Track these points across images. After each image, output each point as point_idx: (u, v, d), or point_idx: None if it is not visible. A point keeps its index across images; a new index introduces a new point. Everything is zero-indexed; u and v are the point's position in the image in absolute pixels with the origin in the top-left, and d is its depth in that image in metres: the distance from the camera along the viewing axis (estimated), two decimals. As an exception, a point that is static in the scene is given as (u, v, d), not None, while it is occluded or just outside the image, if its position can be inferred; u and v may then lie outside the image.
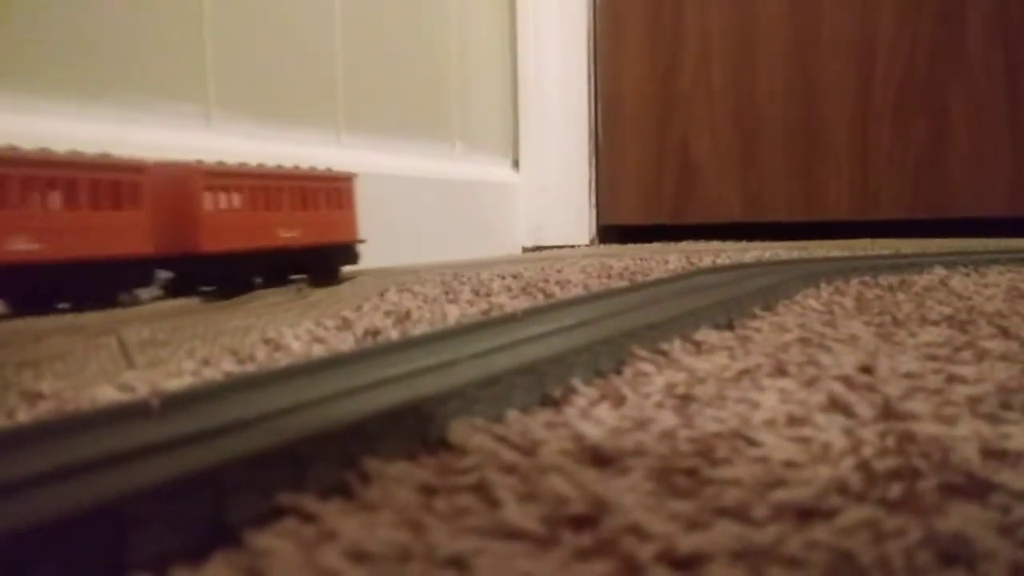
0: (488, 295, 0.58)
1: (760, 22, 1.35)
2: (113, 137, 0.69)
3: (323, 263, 0.74)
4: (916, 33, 1.28)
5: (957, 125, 1.26)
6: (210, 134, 0.79)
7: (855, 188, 1.32)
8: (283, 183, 0.70)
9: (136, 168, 0.57)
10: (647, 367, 0.33)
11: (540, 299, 0.55)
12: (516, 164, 1.46)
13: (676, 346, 0.38)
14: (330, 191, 0.75)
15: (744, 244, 1.28)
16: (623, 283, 0.62)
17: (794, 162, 1.34)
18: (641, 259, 0.94)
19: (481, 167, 1.35)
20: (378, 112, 1.07)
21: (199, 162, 0.63)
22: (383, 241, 1.02)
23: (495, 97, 1.42)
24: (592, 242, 1.49)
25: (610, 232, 1.50)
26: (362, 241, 0.79)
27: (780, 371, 0.33)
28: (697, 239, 1.41)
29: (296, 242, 0.70)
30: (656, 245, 1.35)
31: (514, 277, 0.69)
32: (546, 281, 0.66)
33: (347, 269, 0.79)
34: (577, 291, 0.59)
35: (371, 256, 0.94)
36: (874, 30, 1.29)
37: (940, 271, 0.70)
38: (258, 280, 0.66)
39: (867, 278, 0.66)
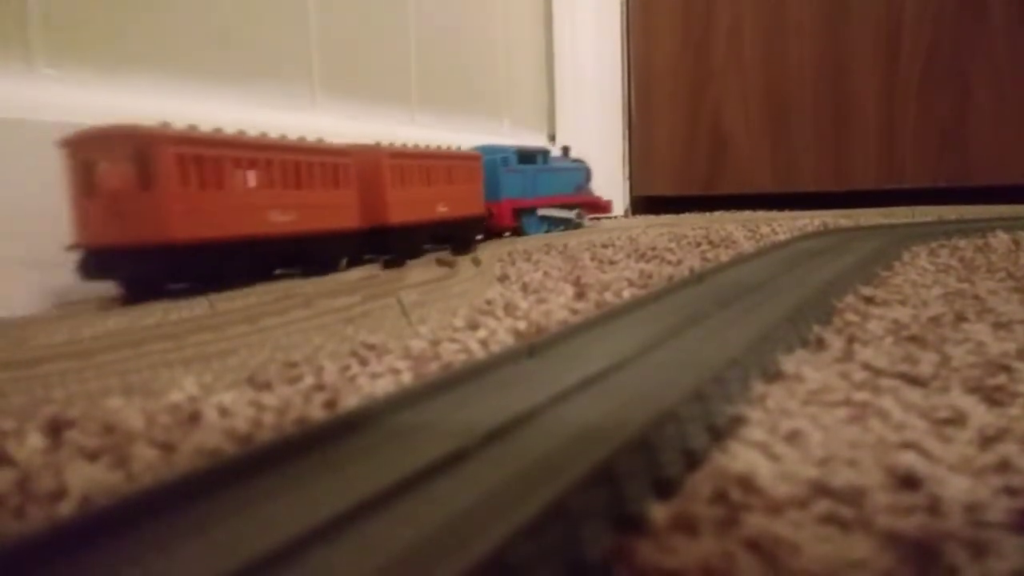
0: (653, 259, 0.63)
1: (790, -1, 1.40)
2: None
3: (464, 233, 0.83)
4: (940, 11, 1.34)
5: (979, 99, 1.33)
6: (315, 113, 0.83)
7: (882, 159, 1.38)
8: (438, 162, 0.77)
9: (342, 150, 0.67)
10: (853, 316, 0.39)
11: (712, 258, 0.60)
12: (552, 138, 1.51)
13: (850, 300, 0.43)
14: (465, 168, 0.83)
15: (776, 213, 1.34)
16: (747, 249, 0.67)
17: (823, 134, 1.40)
18: (702, 228, 1.00)
19: (521, 141, 1.40)
20: (444, 94, 1.11)
21: (378, 144, 0.71)
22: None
23: (532, 73, 1.46)
24: (626, 213, 1.54)
25: (640, 203, 1.56)
26: (485, 215, 0.89)
27: (962, 318, 0.39)
28: (727, 209, 1.47)
29: (447, 215, 0.78)
30: (691, 215, 1.41)
31: (631, 240, 0.74)
32: (657, 247, 0.71)
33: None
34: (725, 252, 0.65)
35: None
36: (900, 8, 1.35)
37: (1003, 234, 0.77)
38: (426, 247, 0.76)
39: (943, 241, 0.72)
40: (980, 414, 0.24)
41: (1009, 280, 0.50)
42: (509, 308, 0.43)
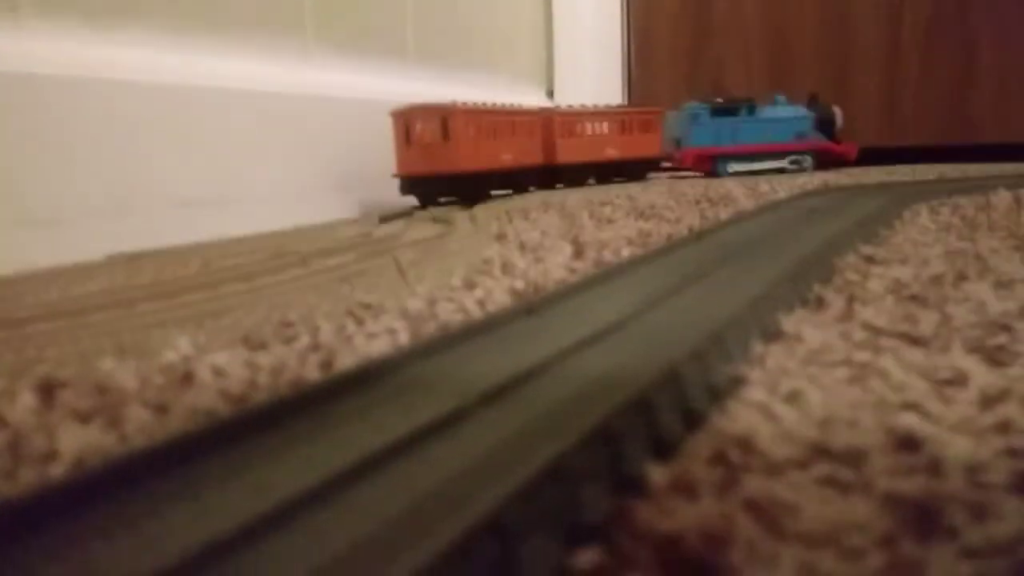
0: (652, 217, 0.63)
1: (794, -49, 1.38)
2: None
3: (635, 170, 1.15)
4: (946, -36, 1.31)
5: (983, 56, 1.31)
6: (310, 67, 0.82)
7: (885, 117, 1.37)
8: (608, 117, 1.09)
9: (533, 112, 1.01)
10: (853, 275, 0.38)
11: (710, 217, 0.60)
12: (551, 94, 1.49)
13: (851, 259, 0.43)
14: (642, 121, 1.13)
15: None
16: (746, 206, 0.66)
17: (826, 92, 1.38)
18: (701, 185, 0.99)
19: (518, 97, 1.38)
20: (441, 48, 1.10)
21: (556, 107, 1.06)
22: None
23: (531, 28, 1.43)
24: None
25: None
26: (661, 157, 1.19)
27: (963, 277, 0.38)
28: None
29: (616, 156, 1.10)
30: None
31: (630, 198, 0.74)
32: (658, 206, 0.71)
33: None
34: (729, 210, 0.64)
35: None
36: (906, -40, 1.32)
37: (1005, 192, 0.76)
38: (591, 181, 1.09)
39: (944, 199, 0.72)
40: (981, 374, 0.24)
41: (1011, 239, 0.50)
42: (507, 267, 0.43)
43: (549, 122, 1.02)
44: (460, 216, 0.72)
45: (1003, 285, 0.36)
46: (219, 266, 0.48)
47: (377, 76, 0.94)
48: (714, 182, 1.07)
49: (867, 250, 0.46)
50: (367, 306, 0.35)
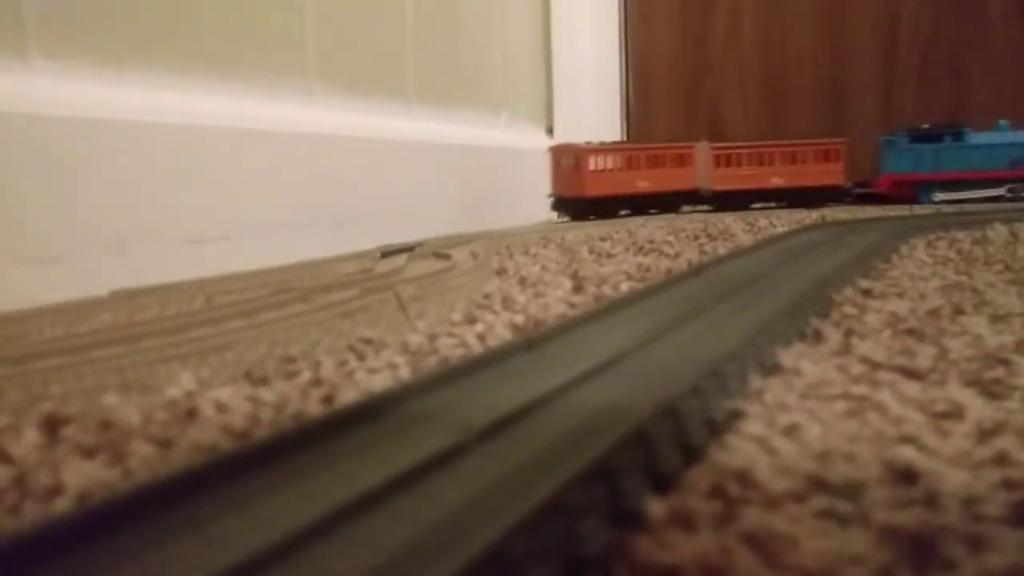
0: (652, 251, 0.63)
1: (789, -10, 1.40)
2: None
3: (808, 198, 1.20)
4: (938, 3, 1.33)
5: (976, 92, 1.33)
6: (313, 106, 0.83)
7: (880, 151, 1.38)
8: (774, 149, 1.21)
9: (688, 146, 1.21)
10: (851, 309, 0.39)
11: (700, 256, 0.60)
12: (550, 131, 1.50)
13: (848, 293, 0.43)
14: (818, 151, 1.21)
15: (775, 208, 1.34)
16: (744, 241, 0.67)
17: (822, 126, 1.40)
18: (700, 221, 1.00)
19: (519, 135, 1.39)
20: (442, 87, 1.11)
21: (710, 142, 1.22)
22: (440, 209, 1.06)
23: (530, 66, 1.45)
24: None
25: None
26: (845, 185, 1.22)
27: (960, 311, 0.39)
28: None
29: (783, 184, 1.21)
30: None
31: (629, 233, 0.74)
32: (659, 242, 0.72)
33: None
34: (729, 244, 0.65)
35: (426, 224, 0.98)
36: (899, 0, 1.35)
37: (1000, 226, 0.77)
38: (757, 206, 1.22)
39: (941, 233, 0.72)
40: (978, 407, 0.24)
41: (1007, 272, 0.50)
42: (507, 302, 0.43)
43: (703, 154, 1.20)
44: (461, 251, 0.72)
45: (1000, 319, 0.36)
46: (222, 302, 0.48)
47: (378, 115, 0.95)
48: (712, 218, 1.07)
49: (864, 284, 0.46)
50: (368, 341, 0.35)
